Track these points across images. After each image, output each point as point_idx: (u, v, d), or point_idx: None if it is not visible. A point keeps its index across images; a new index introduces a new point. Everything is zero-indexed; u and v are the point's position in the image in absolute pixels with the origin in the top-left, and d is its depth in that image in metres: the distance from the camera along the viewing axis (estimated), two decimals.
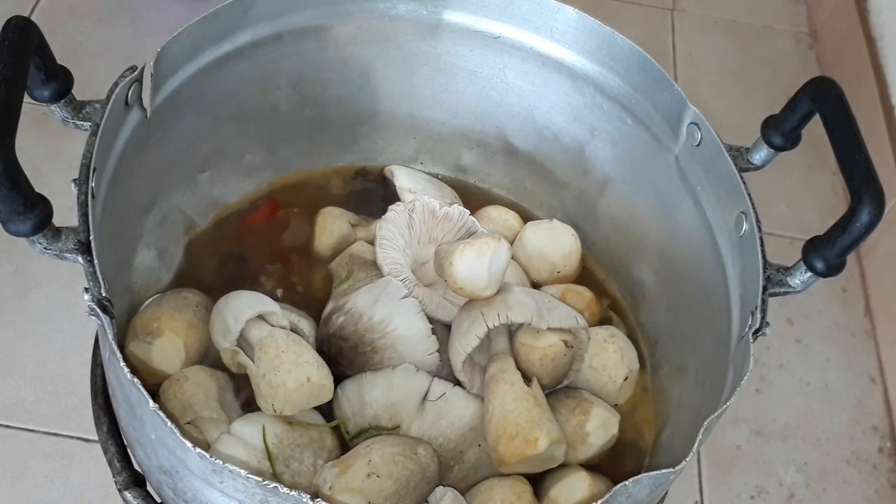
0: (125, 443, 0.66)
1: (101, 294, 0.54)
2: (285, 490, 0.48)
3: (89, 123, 0.62)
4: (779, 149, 0.69)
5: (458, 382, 0.69)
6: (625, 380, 0.73)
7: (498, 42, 0.80)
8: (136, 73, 0.63)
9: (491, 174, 0.89)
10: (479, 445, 0.67)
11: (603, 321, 0.79)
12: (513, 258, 0.77)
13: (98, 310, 0.54)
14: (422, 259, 0.76)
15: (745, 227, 0.65)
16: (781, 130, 0.68)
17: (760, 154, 0.70)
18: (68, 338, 1.07)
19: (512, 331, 0.70)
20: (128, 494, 0.64)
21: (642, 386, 0.76)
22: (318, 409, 0.67)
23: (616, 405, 0.74)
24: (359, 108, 0.85)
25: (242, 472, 0.48)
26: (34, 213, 0.52)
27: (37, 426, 1.00)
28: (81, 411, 1.01)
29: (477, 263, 0.66)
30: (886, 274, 1.22)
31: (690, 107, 0.70)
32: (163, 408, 0.52)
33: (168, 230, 0.77)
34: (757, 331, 0.60)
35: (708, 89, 1.49)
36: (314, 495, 0.49)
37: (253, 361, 0.66)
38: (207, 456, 0.49)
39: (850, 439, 1.12)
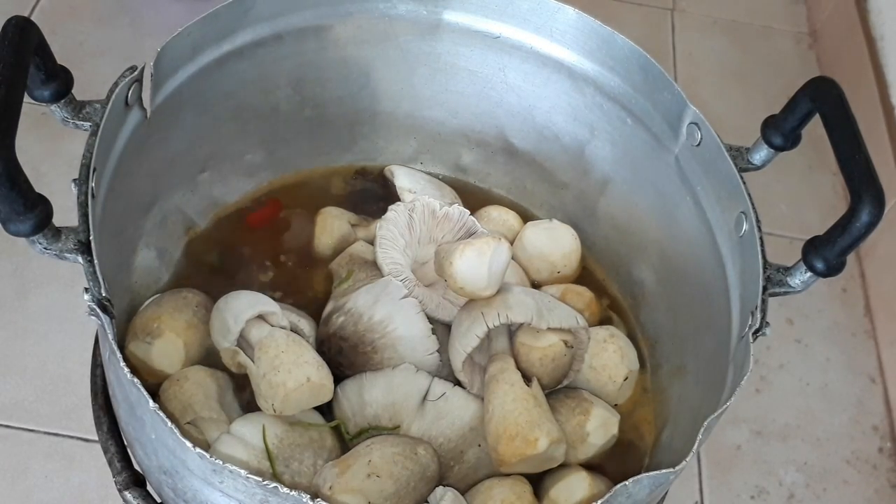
0: (125, 443, 0.66)
1: (101, 294, 0.54)
2: (285, 490, 0.48)
3: (89, 123, 0.62)
4: (779, 149, 0.69)
5: (458, 382, 0.69)
6: (625, 380, 0.73)
7: (498, 42, 0.80)
8: (136, 73, 0.63)
9: (491, 174, 0.89)
10: (479, 445, 0.67)
11: (603, 321, 0.79)
12: (513, 258, 0.77)
13: (98, 310, 0.54)
14: (422, 259, 0.76)
15: (745, 227, 0.65)
16: (781, 130, 0.68)
17: (760, 154, 0.70)
18: (68, 338, 1.07)
19: (512, 331, 0.70)
20: (128, 494, 0.64)
21: (642, 386, 0.76)
22: (318, 409, 0.67)
23: (616, 405, 0.74)
24: (359, 108, 0.85)
25: (242, 472, 0.48)
26: (34, 213, 0.52)
27: (37, 426, 1.00)
28: (81, 411, 1.01)
29: (477, 263, 0.66)
30: (886, 274, 1.22)
31: (690, 107, 0.70)
32: (163, 408, 0.52)
33: (168, 230, 0.77)
34: (757, 331, 0.60)
35: (708, 89, 1.49)
36: (314, 495, 0.49)
37: (253, 361, 0.66)
38: (207, 456, 0.49)
39: (850, 439, 1.12)
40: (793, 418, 1.13)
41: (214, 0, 0.70)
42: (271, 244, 0.81)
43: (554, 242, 0.80)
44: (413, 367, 0.68)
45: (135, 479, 0.65)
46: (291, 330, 0.68)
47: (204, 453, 0.49)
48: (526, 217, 0.85)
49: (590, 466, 0.69)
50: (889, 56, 1.33)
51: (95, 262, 0.55)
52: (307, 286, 0.78)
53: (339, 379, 0.68)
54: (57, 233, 0.55)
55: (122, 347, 0.62)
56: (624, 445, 0.72)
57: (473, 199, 0.87)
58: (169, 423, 0.50)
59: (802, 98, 0.66)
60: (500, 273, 0.67)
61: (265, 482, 0.48)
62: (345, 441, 0.67)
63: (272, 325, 0.68)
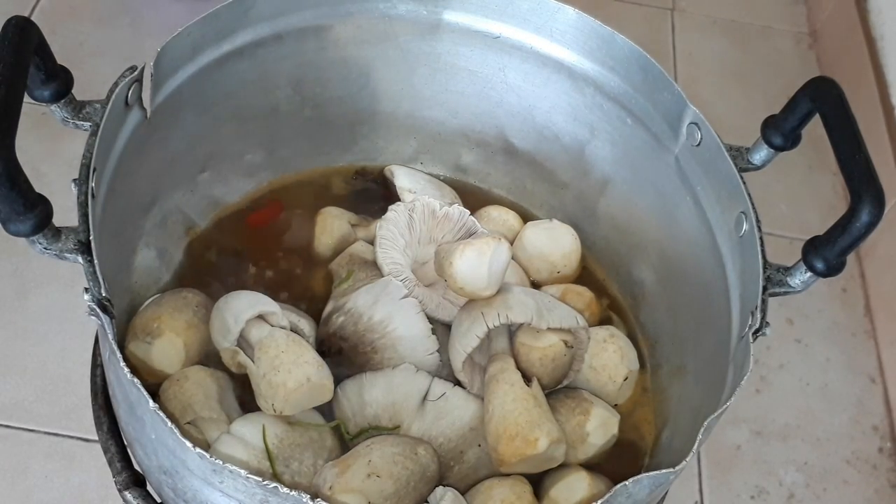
0: (125, 443, 0.66)
1: (101, 294, 0.54)
2: (285, 490, 0.48)
3: (89, 123, 0.62)
4: (779, 149, 0.69)
5: (458, 382, 0.69)
6: (625, 380, 0.73)
7: (498, 42, 0.80)
8: (136, 73, 0.63)
9: (491, 174, 0.89)
10: (479, 445, 0.67)
11: (603, 321, 0.79)
12: (513, 258, 0.77)
13: (98, 310, 0.54)
14: (422, 259, 0.76)
15: (745, 227, 0.65)
16: (781, 130, 0.68)
17: (760, 154, 0.70)
18: (68, 338, 1.07)
19: (512, 331, 0.70)
20: (128, 494, 0.64)
21: (642, 386, 0.76)
22: (318, 409, 0.67)
23: (616, 405, 0.74)
24: (359, 108, 0.85)
25: (242, 472, 0.48)
26: (34, 213, 0.52)
27: (37, 426, 1.00)
28: (81, 411, 1.01)
29: (477, 263, 0.66)
30: (886, 274, 1.22)
31: (690, 107, 0.70)
32: (163, 408, 0.52)
33: (168, 230, 0.77)
34: (757, 331, 0.60)
35: (708, 89, 1.49)
36: (314, 495, 0.49)
37: (253, 361, 0.66)
38: (207, 456, 0.49)
39: (850, 439, 1.12)
40: (793, 418, 1.13)
41: (214, 0, 0.70)
42: (271, 244, 0.81)
43: (554, 242, 0.80)
44: (413, 367, 0.68)
45: (135, 479, 0.65)
46: (291, 330, 0.68)
47: (204, 453, 0.49)
48: (526, 217, 0.85)
49: (590, 466, 0.69)
50: (889, 56, 1.33)
51: (95, 262, 0.55)
52: (307, 286, 0.78)
53: (339, 379, 0.68)
54: (57, 233, 0.55)
55: (122, 347, 0.62)
56: (624, 445, 0.72)
57: (473, 199, 0.87)
58: (169, 423, 0.50)
59: (802, 98, 0.66)
60: (500, 273, 0.67)
61: (265, 482, 0.48)
62: (345, 441, 0.67)
63: (272, 325, 0.68)
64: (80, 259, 0.56)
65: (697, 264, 0.73)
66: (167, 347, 0.67)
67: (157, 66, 0.66)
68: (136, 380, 0.51)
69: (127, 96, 0.63)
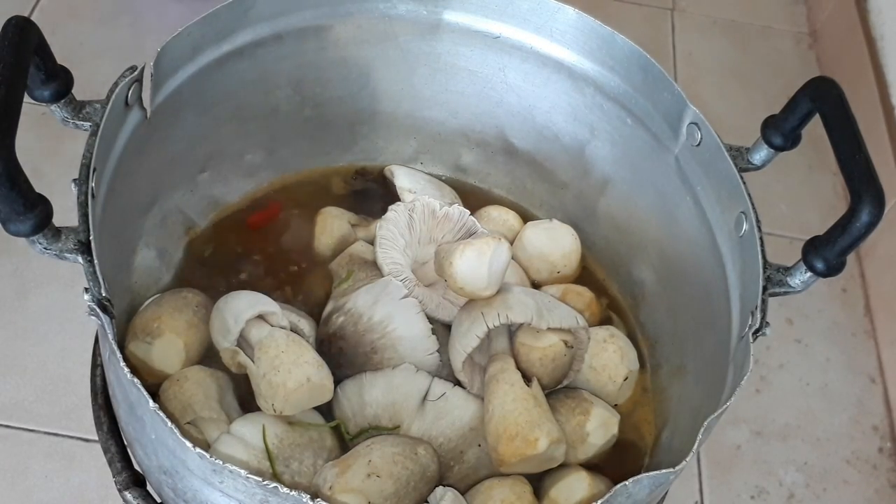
0: (125, 443, 0.66)
1: (101, 294, 0.54)
2: (285, 490, 0.48)
3: (89, 123, 0.62)
4: (779, 149, 0.69)
5: (458, 382, 0.69)
6: (625, 380, 0.73)
7: (498, 42, 0.80)
8: (136, 73, 0.63)
9: (491, 174, 0.89)
10: (479, 445, 0.67)
11: (603, 321, 0.79)
12: (513, 258, 0.77)
13: (98, 310, 0.54)
14: (422, 259, 0.76)
15: (745, 227, 0.65)
16: (781, 130, 0.68)
17: (760, 154, 0.70)
18: (68, 338, 1.07)
19: (512, 331, 0.70)
20: (128, 494, 0.64)
21: (642, 386, 0.76)
22: (318, 409, 0.67)
23: (616, 405, 0.74)
24: (359, 108, 0.85)
25: (242, 472, 0.48)
26: (34, 213, 0.52)
27: (37, 426, 1.00)
28: (81, 411, 1.01)
29: (477, 263, 0.66)
30: (886, 274, 1.22)
31: (690, 107, 0.70)
32: (163, 408, 0.52)
33: (168, 230, 0.77)
34: (757, 331, 0.60)
35: (708, 89, 1.49)
36: (314, 495, 0.49)
37: (253, 361, 0.66)
38: (207, 456, 0.49)
39: (850, 439, 1.12)
40: (793, 418, 1.13)
41: (214, 0, 0.70)
42: (271, 244, 0.81)
43: (554, 242, 0.80)
44: (413, 367, 0.68)
45: (135, 479, 0.65)
46: (291, 330, 0.68)
47: (204, 453, 0.49)
48: (526, 217, 0.85)
49: (590, 466, 0.69)
50: (889, 56, 1.33)
51: (95, 262, 0.55)
52: (307, 286, 0.78)
53: (339, 379, 0.68)
54: (57, 233, 0.55)
55: (122, 347, 0.62)
56: (624, 445, 0.72)
57: (473, 199, 0.87)
58: (169, 423, 0.50)
59: (802, 98, 0.66)
60: (500, 273, 0.67)
61: (265, 482, 0.48)
62: (345, 441, 0.67)
63: (272, 325, 0.68)
64: (80, 259, 0.56)
65: (697, 264, 0.73)
66: (167, 347, 0.67)
67: (157, 66, 0.66)
68: (136, 380, 0.51)
69: (127, 96, 0.63)
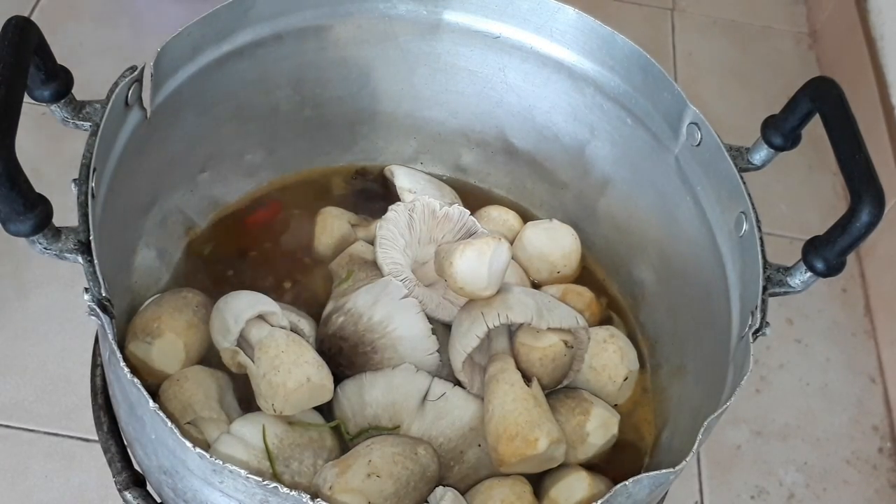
0: (125, 443, 0.66)
1: (101, 294, 0.54)
2: (285, 490, 0.48)
3: (89, 123, 0.62)
4: (779, 149, 0.69)
5: (458, 382, 0.69)
6: (625, 380, 0.73)
7: (498, 42, 0.80)
8: (136, 73, 0.63)
9: (491, 174, 0.89)
10: (479, 445, 0.67)
11: (603, 321, 0.79)
12: (513, 258, 0.77)
13: (98, 310, 0.54)
14: (422, 259, 0.76)
15: (745, 227, 0.65)
16: (781, 130, 0.68)
17: (760, 154, 0.70)
18: (68, 338, 1.07)
19: (512, 331, 0.70)
20: (128, 494, 0.64)
21: (642, 386, 0.76)
22: (318, 409, 0.67)
23: (616, 405, 0.74)
24: (359, 108, 0.85)
25: (242, 472, 0.48)
26: (34, 213, 0.52)
27: (37, 426, 1.00)
28: (81, 411, 1.01)
29: (477, 263, 0.66)
30: (886, 274, 1.22)
31: (690, 107, 0.70)
32: (163, 408, 0.52)
33: (168, 230, 0.77)
34: (757, 331, 0.60)
35: (708, 89, 1.49)
36: (314, 495, 0.49)
37: (253, 361, 0.66)
38: (207, 456, 0.49)
39: (850, 439, 1.12)
40: (793, 418, 1.13)
41: (214, 0, 0.70)
42: (271, 244, 0.81)
43: (554, 242, 0.80)
44: (413, 367, 0.68)
45: (135, 479, 0.65)
46: (291, 330, 0.68)
47: (204, 453, 0.49)
48: (526, 217, 0.85)
49: (590, 466, 0.69)
50: (889, 56, 1.33)
51: (95, 262, 0.55)
52: (307, 286, 0.78)
53: (339, 379, 0.68)
54: (57, 233, 0.55)
55: (122, 347, 0.62)
56: (624, 445, 0.72)
57: (473, 199, 0.87)
58: (169, 423, 0.50)
59: (802, 98, 0.66)
60: (500, 273, 0.67)
61: (265, 482, 0.48)
62: (345, 441, 0.67)
63: (272, 325, 0.68)
64: (80, 259, 0.56)
65: (697, 264, 0.73)
66: (167, 347, 0.67)
67: (157, 66, 0.66)
68: (136, 380, 0.51)
69: (127, 96, 0.63)
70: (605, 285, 0.84)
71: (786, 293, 0.63)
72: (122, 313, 0.69)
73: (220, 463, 0.49)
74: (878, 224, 0.57)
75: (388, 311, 0.69)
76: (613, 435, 0.70)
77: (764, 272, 0.62)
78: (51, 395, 1.02)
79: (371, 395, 0.67)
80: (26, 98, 0.54)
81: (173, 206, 0.77)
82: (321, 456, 0.64)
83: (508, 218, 0.83)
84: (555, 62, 0.79)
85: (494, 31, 0.79)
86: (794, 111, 0.67)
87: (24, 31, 0.55)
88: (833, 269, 0.61)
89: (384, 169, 0.87)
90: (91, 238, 0.56)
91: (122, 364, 0.52)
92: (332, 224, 0.80)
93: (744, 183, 0.66)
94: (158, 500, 0.63)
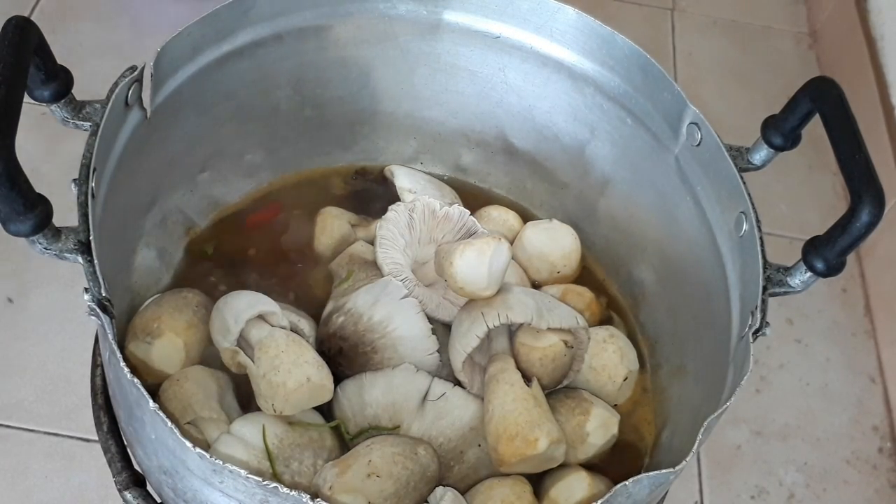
0: (125, 443, 0.66)
1: (101, 294, 0.54)
2: (285, 490, 0.48)
3: (89, 123, 0.62)
4: (779, 149, 0.69)
5: (458, 382, 0.69)
6: (624, 380, 0.73)
7: (498, 42, 0.80)
8: (136, 73, 0.63)
9: (491, 174, 0.89)
10: (479, 445, 0.67)
11: (603, 321, 0.79)
12: (513, 258, 0.77)
13: (98, 310, 0.54)
14: (422, 259, 0.76)
15: (745, 227, 0.65)
16: (781, 130, 0.68)
17: (760, 154, 0.70)
18: (68, 338, 1.07)
19: (512, 331, 0.70)
20: (128, 494, 0.64)
21: (642, 386, 0.76)
22: (318, 409, 0.67)
23: (616, 405, 0.74)
24: (359, 108, 0.85)
25: (242, 472, 0.48)
26: (34, 213, 0.52)
27: (37, 426, 1.00)
28: (81, 411, 1.01)
29: (477, 263, 0.66)
30: (886, 274, 1.22)
31: (690, 107, 0.70)
32: (163, 408, 0.52)
33: (168, 230, 0.77)
34: (757, 331, 0.60)
35: (708, 89, 1.49)
36: (314, 495, 0.49)
37: (253, 361, 0.66)
38: (207, 456, 0.49)
39: (850, 439, 1.12)
40: (793, 418, 1.13)
41: (214, 0, 0.70)
42: (271, 244, 0.81)
43: (554, 242, 0.80)
44: (413, 367, 0.68)
45: (135, 479, 0.65)
46: (291, 330, 0.68)
47: (204, 453, 0.49)
48: (526, 217, 0.85)
49: (590, 466, 0.69)
50: (889, 56, 1.33)
51: (95, 262, 0.55)
52: (307, 286, 0.78)
53: (339, 379, 0.68)
54: (57, 233, 0.55)
55: (122, 347, 0.62)
56: (624, 445, 0.72)
57: (473, 199, 0.87)
58: (169, 423, 0.50)
59: (802, 98, 0.66)
60: (500, 273, 0.67)
61: (265, 482, 0.48)
62: (345, 441, 0.67)
63: (272, 325, 0.68)
64: (80, 259, 0.56)
65: (697, 264, 0.73)
66: (167, 347, 0.67)
67: (157, 66, 0.66)
68: (136, 380, 0.51)
69: (127, 96, 0.63)
70: (605, 285, 0.84)
71: (786, 293, 0.63)
72: (122, 313, 0.69)
73: (220, 463, 0.49)
74: (878, 224, 0.57)
75: (388, 311, 0.69)
76: (613, 435, 0.70)
77: (764, 272, 0.62)
78: (51, 395, 1.02)
79: (371, 395, 0.67)
80: (26, 98, 0.54)
81: (173, 206, 0.77)
82: (321, 456, 0.64)
83: (508, 218, 0.83)
84: (555, 62, 0.79)
85: (494, 31, 0.79)
86: (794, 111, 0.67)
87: (24, 31, 0.55)
88: (833, 269, 0.61)
89: (384, 169, 0.87)
90: (91, 238, 0.56)
91: (122, 364, 0.52)
92: (332, 224, 0.80)
93: (744, 183, 0.66)
94: (158, 500, 0.63)
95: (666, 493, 0.69)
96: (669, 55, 1.54)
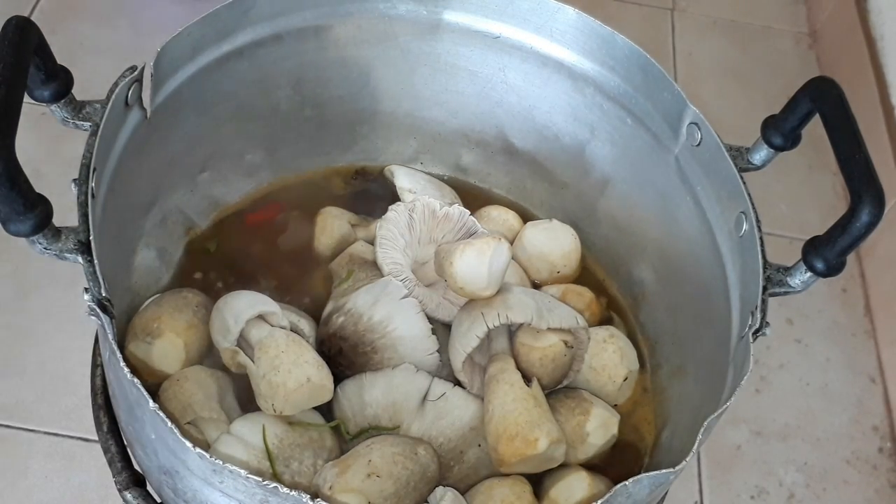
0: (125, 443, 0.66)
1: (101, 294, 0.54)
2: (285, 490, 0.48)
3: (89, 123, 0.62)
4: (779, 149, 0.69)
5: (458, 382, 0.69)
6: (624, 380, 0.73)
7: (498, 42, 0.80)
8: (136, 73, 0.63)
9: (491, 174, 0.89)
10: (479, 445, 0.67)
11: (603, 321, 0.79)
12: (513, 258, 0.77)
13: (98, 310, 0.54)
14: (422, 259, 0.76)
15: (745, 227, 0.65)
16: (781, 130, 0.68)
17: (760, 154, 0.70)
18: (68, 338, 1.07)
19: (512, 331, 0.70)
20: (128, 494, 0.64)
21: (642, 386, 0.76)
22: (318, 409, 0.67)
23: (616, 405, 0.74)
24: (359, 108, 0.85)
25: (242, 472, 0.48)
26: (34, 213, 0.52)
27: (37, 426, 1.00)
28: (81, 411, 1.01)
29: (477, 263, 0.66)
30: (886, 274, 1.22)
31: (690, 107, 0.70)
32: (163, 408, 0.52)
33: (168, 230, 0.77)
34: (757, 331, 0.60)
35: (708, 89, 1.49)
36: (314, 495, 0.49)
37: (253, 361, 0.66)
38: (207, 456, 0.49)
39: (850, 439, 1.12)
40: (793, 418, 1.13)
41: (214, 0, 0.70)
42: (271, 244, 0.81)
43: (554, 242, 0.80)
44: (413, 367, 0.68)
45: (135, 479, 0.65)
46: (291, 330, 0.68)
47: (204, 453, 0.49)
48: (526, 217, 0.85)
49: (590, 466, 0.69)
50: (889, 56, 1.33)
51: (95, 262, 0.55)
52: (307, 286, 0.78)
53: (339, 379, 0.68)
54: (57, 233, 0.55)
55: (122, 347, 0.62)
56: (624, 445, 0.72)
57: (473, 199, 0.87)
58: (169, 423, 0.50)
59: (802, 98, 0.66)
60: (500, 273, 0.67)
61: (265, 482, 0.48)
62: (345, 441, 0.67)
63: (272, 325, 0.68)
64: (80, 259, 0.56)
65: (697, 264, 0.73)
66: (167, 347, 0.67)
67: (157, 66, 0.66)
68: (136, 380, 0.51)
69: (127, 96, 0.63)
70: (605, 285, 0.84)
71: (786, 293, 0.63)
72: (122, 313, 0.69)
73: (220, 463, 0.49)
74: (878, 224, 0.57)
75: (388, 311, 0.69)
76: (613, 435, 0.70)
77: (764, 272, 0.62)
78: (51, 395, 1.02)
79: (371, 395, 0.67)
80: (26, 98, 0.54)
81: (173, 206, 0.77)
82: (321, 456, 0.64)
83: (508, 218, 0.83)
84: (555, 62, 0.79)
85: (494, 31, 0.79)
86: (794, 111, 0.67)
87: (24, 31, 0.55)
88: (833, 269, 0.61)
89: (384, 169, 0.87)
90: (91, 238, 0.56)
91: (122, 364, 0.52)
92: (332, 224, 0.80)
93: (744, 183, 0.66)
94: (158, 500, 0.63)
95: (666, 493, 0.69)
96: (669, 55, 1.54)
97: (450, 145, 0.89)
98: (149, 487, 0.65)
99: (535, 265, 0.80)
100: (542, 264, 0.80)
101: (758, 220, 0.64)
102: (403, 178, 0.82)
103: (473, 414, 0.67)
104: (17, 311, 1.09)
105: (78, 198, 0.57)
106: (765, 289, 0.62)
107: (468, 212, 0.77)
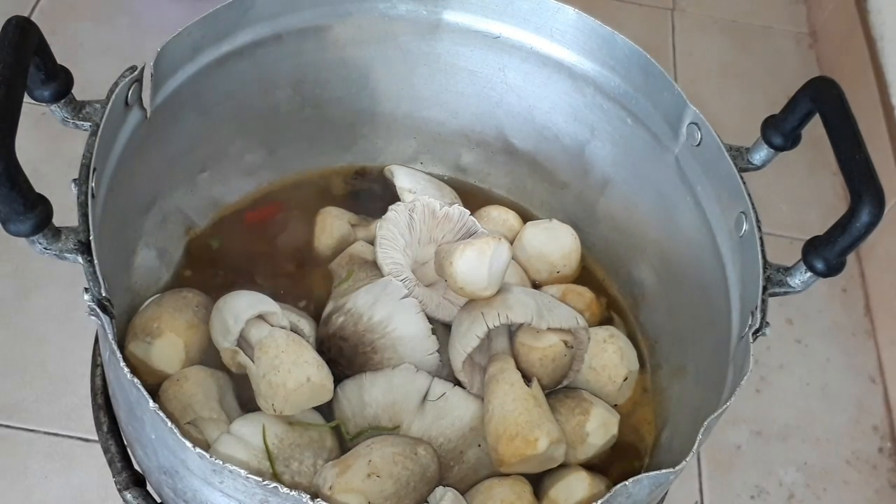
0: (125, 443, 0.66)
1: (101, 294, 0.54)
2: (285, 490, 0.48)
3: (89, 123, 0.62)
4: (779, 149, 0.69)
5: (458, 382, 0.69)
6: (624, 380, 0.73)
7: (498, 42, 0.80)
8: (136, 73, 0.63)
9: (491, 174, 0.89)
10: (479, 445, 0.67)
11: (603, 321, 0.79)
12: (513, 258, 0.77)
13: (98, 310, 0.54)
14: (422, 259, 0.76)
15: (745, 227, 0.65)
16: (781, 130, 0.68)
17: (760, 154, 0.70)
18: (68, 338, 1.07)
19: (512, 331, 0.70)
20: (128, 494, 0.64)
21: (642, 386, 0.76)
22: (318, 409, 0.67)
23: (616, 405, 0.74)
24: (358, 109, 0.85)
25: (242, 472, 0.48)
26: (34, 213, 0.52)
27: (37, 426, 1.00)
28: (81, 411, 1.01)
29: (477, 263, 0.66)
30: (886, 274, 1.22)
31: (690, 107, 0.70)
32: (163, 408, 0.52)
33: (168, 230, 0.77)
34: (757, 331, 0.60)
35: (708, 89, 1.49)
36: (314, 495, 0.49)
37: (253, 361, 0.66)
38: (207, 456, 0.49)
39: (850, 439, 1.12)
40: (793, 418, 1.13)
41: (214, 0, 0.70)
42: (271, 244, 0.81)
43: (554, 242, 0.80)
44: (413, 368, 0.68)
45: (135, 479, 0.65)
46: (291, 330, 0.68)
47: (204, 453, 0.49)
48: (526, 217, 0.85)
49: (590, 466, 0.69)
50: (889, 56, 1.33)
51: (95, 262, 0.55)
52: (307, 286, 0.78)
53: (339, 379, 0.68)
54: (57, 233, 0.55)
55: (122, 347, 0.62)
56: (624, 445, 0.72)
57: (473, 199, 0.87)
58: (169, 423, 0.50)
59: (802, 98, 0.66)
60: (500, 273, 0.67)
61: (265, 482, 0.48)
62: (345, 441, 0.67)
63: (272, 325, 0.68)
64: (80, 259, 0.56)
65: (697, 264, 0.73)
66: (167, 347, 0.68)
67: (157, 66, 0.66)
68: (136, 380, 0.51)
69: (127, 96, 0.63)
70: (605, 285, 0.84)
71: (786, 293, 0.63)
72: (122, 313, 0.69)
73: (220, 463, 0.49)
74: (878, 224, 0.57)
75: (388, 311, 0.69)
76: (613, 435, 0.70)
77: (764, 272, 0.62)
78: (51, 395, 1.02)
79: (371, 395, 0.67)
80: (26, 98, 0.54)
81: (173, 206, 0.77)
82: (321, 456, 0.64)
83: (508, 218, 0.83)
84: (555, 62, 0.79)
85: (494, 31, 0.79)
86: (794, 111, 0.67)
87: (24, 31, 0.55)
88: (833, 269, 0.61)
89: (384, 169, 0.87)
90: (91, 238, 0.56)
91: (122, 364, 0.52)
92: (332, 224, 0.80)
93: (744, 183, 0.66)
94: (158, 500, 0.63)
95: (666, 493, 0.69)
96: (669, 55, 1.54)
97: (450, 145, 0.89)
98: (149, 487, 0.65)
99: (535, 265, 0.80)
100: (541, 264, 0.80)
101: (758, 220, 0.64)
102: (403, 178, 0.82)
103: (473, 414, 0.67)
104: (17, 311, 1.09)
105: (78, 198, 0.57)
106: (765, 289, 0.62)
107: (468, 212, 0.77)
